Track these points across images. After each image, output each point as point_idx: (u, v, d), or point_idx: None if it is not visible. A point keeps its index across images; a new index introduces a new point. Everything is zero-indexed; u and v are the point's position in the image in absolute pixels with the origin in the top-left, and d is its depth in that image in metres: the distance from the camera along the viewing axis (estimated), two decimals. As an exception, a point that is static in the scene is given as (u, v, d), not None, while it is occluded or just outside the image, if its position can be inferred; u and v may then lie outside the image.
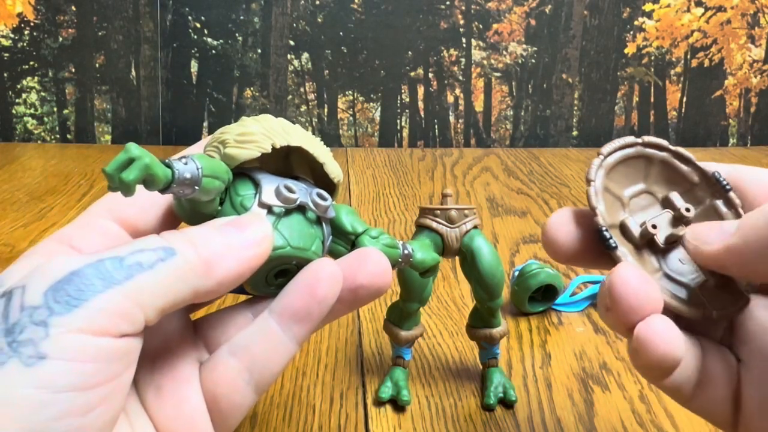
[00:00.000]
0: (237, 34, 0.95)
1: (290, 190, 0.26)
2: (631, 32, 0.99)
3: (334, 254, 0.28)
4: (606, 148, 0.27)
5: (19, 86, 0.95)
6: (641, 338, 0.23)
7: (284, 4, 0.95)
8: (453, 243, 0.37)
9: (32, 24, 0.93)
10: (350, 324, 0.47)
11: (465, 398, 0.39)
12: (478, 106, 1.00)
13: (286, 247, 0.25)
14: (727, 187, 0.27)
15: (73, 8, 0.93)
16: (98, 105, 0.96)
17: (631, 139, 0.27)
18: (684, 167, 0.28)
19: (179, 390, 0.24)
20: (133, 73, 0.95)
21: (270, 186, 0.26)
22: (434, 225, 0.36)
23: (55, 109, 0.95)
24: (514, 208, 0.71)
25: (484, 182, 0.81)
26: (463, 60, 0.98)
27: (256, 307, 0.26)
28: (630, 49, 0.99)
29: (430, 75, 0.98)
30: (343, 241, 0.28)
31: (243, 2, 0.94)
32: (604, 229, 0.25)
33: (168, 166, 0.22)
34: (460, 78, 0.99)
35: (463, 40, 0.98)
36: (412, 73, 0.98)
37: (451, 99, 0.99)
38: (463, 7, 0.97)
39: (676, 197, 0.27)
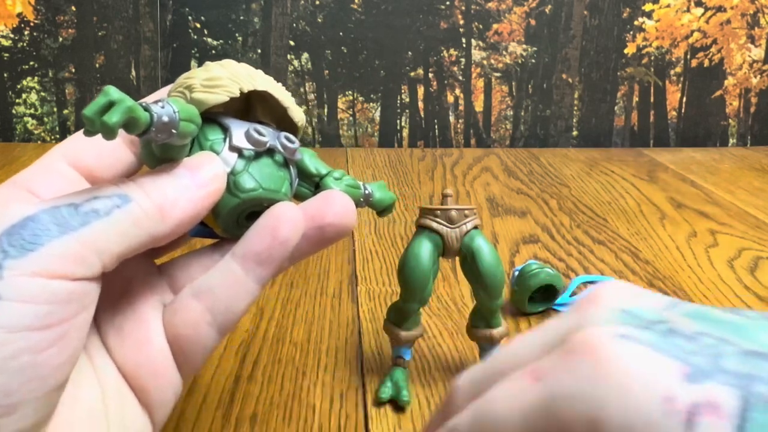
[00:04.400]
0: (237, 34, 0.95)
1: (260, 133, 0.26)
2: (631, 32, 0.99)
3: (299, 196, 0.29)
4: None
5: (19, 86, 0.95)
6: None
7: (284, 4, 0.95)
8: (453, 243, 0.37)
9: (32, 24, 0.93)
10: (350, 324, 0.47)
11: (465, 398, 0.39)
12: (478, 106, 1.00)
13: (258, 189, 0.26)
14: None
15: (73, 8, 0.93)
16: (98, 105, 0.96)
17: None
18: None
19: (140, 331, 0.25)
20: (133, 73, 0.95)
21: (239, 130, 0.26)
22: (434, 225, 0.37)
23: (55, 109, 0.95)
24: (514, 208, 0.71)
25: (484, 182, 0.81)
26: (463, 60, 0.98)
27: (222, 249, 0.27)
28: (630, 49, 0.99)
29: (430, 75, 0.98)
30: (308, 184, 0.29)
31: (243, 2, 0.94)
32: None
33: (146, 109, 0.22)
34: (460, 78, 0.99)
35: (463, 40, 0.98)
36: (412, 73, 0.98)
37: (451, 99, 0.99)
38: (463, 7, 0.97)
39: None
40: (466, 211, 0.37)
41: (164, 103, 0.23)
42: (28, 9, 0.93)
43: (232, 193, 0.25)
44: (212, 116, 0.26)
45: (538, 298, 0.48)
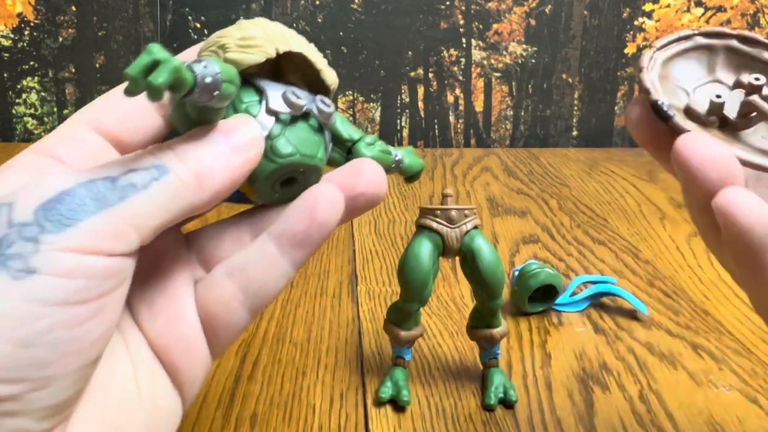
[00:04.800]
0: (237, 34, 0.95)
1: (297, 96, 0.25)
2: (631, 32, 0.99)
3: (332, 162, 0.28)
4: (659, 42, 0.25)
5: (19, 86, 0.95)
6: (721, 213, 0.21)
7: (284, 4, 0.95)
8: (453, 243, 0.37)
9: (32, 24, 0.93)
10: (350, 324, 0.47)
11: (465, 398, 0.39)
12: (478, 106, 1.00)
13: (296, 155, 0.25)
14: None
15: (73, 8, 0.93)
16: (98, 105, 0.95)
17: (686, 31, 0.25)
18: (751, 49, 0.25)
19: (172, 307, 0.24)
20: (133, 73, 0.95)
21: (275, 92, 0.25)
22: (434, 225, 0.37)
23: (55, 109, 0.95)
24: (514, 208, 0.71)
25: (484, 182, 0.81)
26: (463, 60, 0.98)
27: (251, 220, 0.26)
28: (630, 49, 0.99)
29: (430, 75, 0.98)
30: (340, 149, 0.28)
31: (243, 2, 0.94)
32: (659, 102, 0.23)
33: (190, 70, 0.21)
34: (460, 78, 0.99)
35: (463, 40, 0.98)
36: (412, 73, 0.98)
37: (451, 99, 0.99)
38: (463, 7, 0.97)
39: (746, 77, 0.24)
40: (466, 211, 0.37)
41: (207, 63, 0.21)
42: (28, 9, 0.93)
43: (269, 158, 0.24)
44: (246, 77, 0.25)
45: (538, 298, 0.48)
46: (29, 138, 0.96)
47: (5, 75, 0.94)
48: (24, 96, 0.95)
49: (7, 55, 0.94)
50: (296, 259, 0.24)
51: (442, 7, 0.97)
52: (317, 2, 0.95)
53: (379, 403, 0.38)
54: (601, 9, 0.98)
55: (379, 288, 0.53)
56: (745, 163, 0.22)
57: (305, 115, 0.26)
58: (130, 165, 0.21)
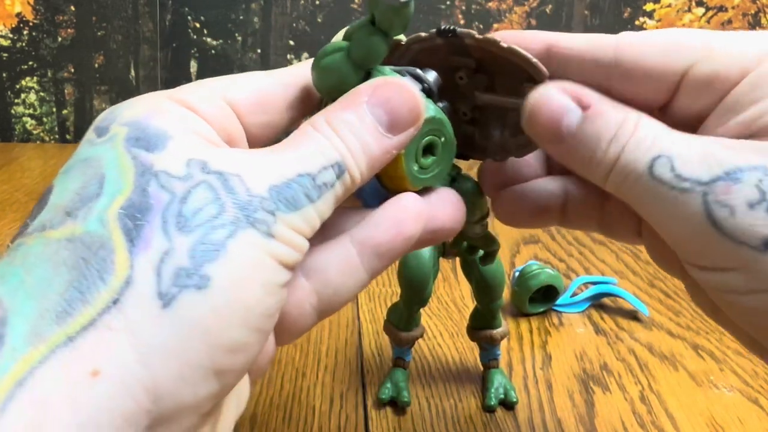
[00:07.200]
0: (236, 34, 0.95)
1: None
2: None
3: None
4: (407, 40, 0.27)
5: (18, 86, 0.94)
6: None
7: (284, 4, 0.95)
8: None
9: (31, 24, 0.93)
10: (350, 325, 0.47)
11: (465, 399, 0.39)
12: (478, 106, 1.00)
13: (439, 114, 0.25)
14: (451, 36, 0.25)
15: (72, 8, 0.93)
16: (97, 105, 0.95)
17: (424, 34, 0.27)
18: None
19: None
20: (133, 73, 0.95)
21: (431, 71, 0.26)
22: (434, 225, 0.36)
23: (54, 109, 0.95)
24: (514, 209, 0.71)
25: (484, 182, 0.81)
26: (463, 60, 0.98)
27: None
28: (630, 49, 0.99)
29: (430, 75, 0.98)
30: None
31: (243, 2, 0.94)
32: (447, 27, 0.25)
33: None
34: (460, 78, 0.99)
35: (463, 40, 0.98)
36: (412, 73, 0.98)
37: (451, 99, 0.99)
38: (464, 7, 0.97)
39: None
40: (467, 212, 0.37)
41: None
42: (27, 9, 0.93)
43: None
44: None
45: (539, 299, 0.48)
46: (28, 138, 0.95)
47: (4, 75, 0.94)
48: (23, 96, 0.95)
49: (6, 55, 0.93)
50: (374, 269, 0.24)
51: (442, 7, 0.97)
52: (317, 2, 0.95)
53: (379, 404, 0.38)
54: (602, 9, 0.98)
55: (379, 288, 0.52)
56: None
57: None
58: (322, 160, 0.23)
